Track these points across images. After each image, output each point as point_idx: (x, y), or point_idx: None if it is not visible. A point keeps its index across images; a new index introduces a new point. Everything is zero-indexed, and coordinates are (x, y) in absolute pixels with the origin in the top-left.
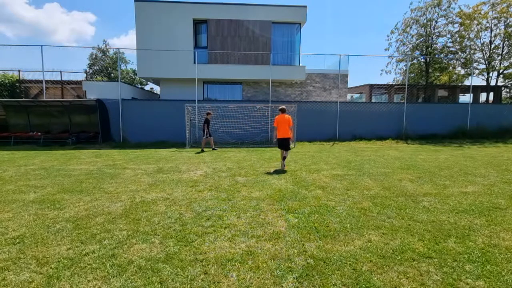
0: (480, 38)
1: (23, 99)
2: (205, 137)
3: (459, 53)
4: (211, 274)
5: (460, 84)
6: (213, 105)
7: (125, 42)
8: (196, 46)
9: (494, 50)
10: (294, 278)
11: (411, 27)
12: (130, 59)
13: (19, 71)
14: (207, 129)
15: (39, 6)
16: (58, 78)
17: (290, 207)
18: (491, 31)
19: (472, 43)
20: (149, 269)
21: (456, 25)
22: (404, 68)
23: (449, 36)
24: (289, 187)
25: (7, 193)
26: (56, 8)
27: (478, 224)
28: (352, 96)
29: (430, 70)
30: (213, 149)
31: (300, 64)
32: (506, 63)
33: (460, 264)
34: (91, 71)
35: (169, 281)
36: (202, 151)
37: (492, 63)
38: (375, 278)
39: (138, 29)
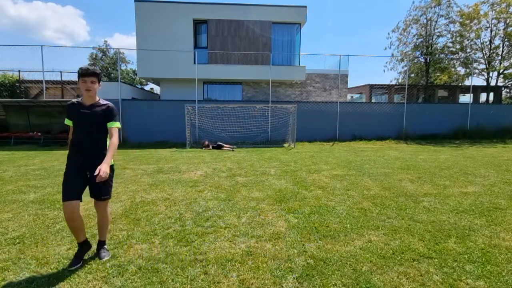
0: (480, 38)
1: (23, 99)
2: None
3: (459, 53)
4: (211, 274)
5: (460, 84)
6: (213, 105)
7: (120, 41)
8: (196, 46)
9: (494, 50)
10: (294, 278)
11: (412, 27)
12: (130, 59)
13: (19, 71)
14: None
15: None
16: (58, 78)
17: (290, 207)
18: (491, 31)
19: (472, 42)
20: (149, 269)
21: (456, 25)
22: (405, 68)
23: (449, 36)
24: (289, 187)
25: (7, 193)
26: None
27: (478, 224)
28: (352, 96)
29: (430, 70)
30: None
31: (300, 64)
32: (506, 63)
33: (460, 264)
34: None
35: (169, 281)
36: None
37: (492, 63)
38: (375, 278)
39: (138, 29)
